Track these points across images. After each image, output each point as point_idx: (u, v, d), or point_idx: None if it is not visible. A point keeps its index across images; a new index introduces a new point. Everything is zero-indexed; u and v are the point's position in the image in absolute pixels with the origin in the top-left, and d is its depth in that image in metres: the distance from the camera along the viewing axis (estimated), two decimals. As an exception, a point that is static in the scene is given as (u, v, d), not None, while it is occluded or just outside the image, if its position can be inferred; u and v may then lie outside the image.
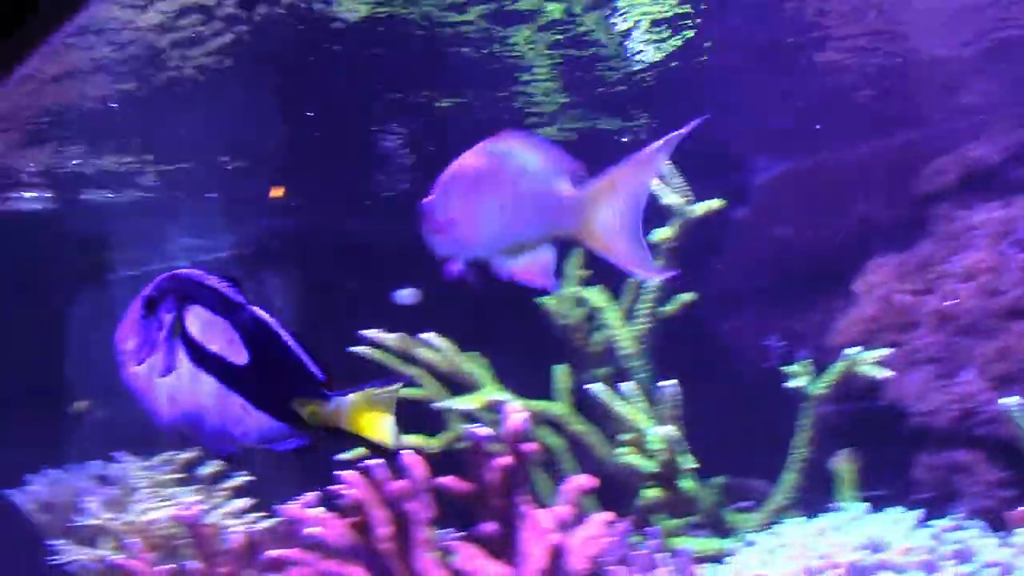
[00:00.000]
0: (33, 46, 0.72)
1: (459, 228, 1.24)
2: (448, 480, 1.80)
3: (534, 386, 2.53)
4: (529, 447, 1.82)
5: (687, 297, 2.58)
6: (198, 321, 1.07)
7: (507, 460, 1.80)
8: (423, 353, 2.34)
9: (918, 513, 1.92)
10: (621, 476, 2.35)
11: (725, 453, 2.80)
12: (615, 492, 2.32)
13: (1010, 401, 2.03)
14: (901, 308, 2.63)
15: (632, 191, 1.17)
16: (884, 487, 2.65)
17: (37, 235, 3.04)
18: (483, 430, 1.77)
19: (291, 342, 1.07)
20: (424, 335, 2.32)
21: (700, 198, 2.49)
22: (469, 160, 1.24)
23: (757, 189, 3.20)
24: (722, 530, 2.42)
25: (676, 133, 1.15)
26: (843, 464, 2.65)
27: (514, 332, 2.92)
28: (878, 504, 2.59)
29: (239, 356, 1.06)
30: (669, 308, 2.56)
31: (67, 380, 3.23)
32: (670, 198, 2.36)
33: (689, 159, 2.94)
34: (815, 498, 2.45)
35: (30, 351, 3.03)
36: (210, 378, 1.07)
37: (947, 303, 2.55)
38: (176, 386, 1.08)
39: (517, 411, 1.83)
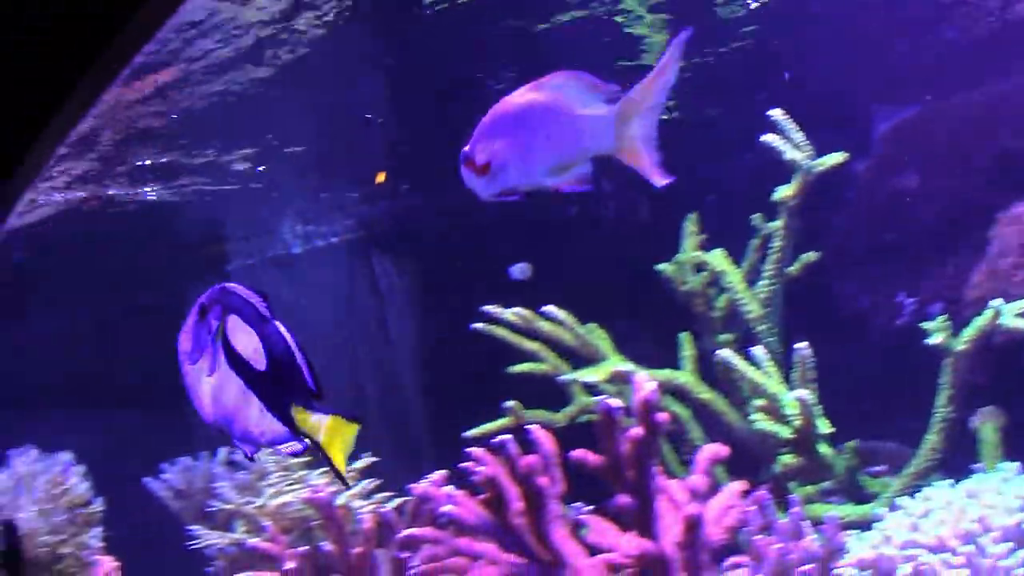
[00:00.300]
0: (142, 40, 0.70)
1: (505, 166, 1.35)
2: (580, 453, 1.76)
3: (654, 356, 2.48)
4: (661, 417, 1.78)
5: (811, 257, 2.49)
6: (234, 329, 1.24)
7: (639, 431, 1.76)
8: (544, 326, 2.31)
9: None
10: (751, 444, 2.29)
11: (856, 416, 2.70)
12: (744, 461, 2.25)
13: None
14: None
15: (652, 104, 1.31)
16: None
17: (157, 229, 3.11)
18: (615, 401, 1.73)
19: (298, 354, 1.21)
20: (545, 308, 2.29)
21: (820, 153, 2.39)
22: (508, 102, 1.36)
23: (878, 140, 3.06)
24: (857, 496, 2.33)
25: (680, 39, 1.29)
26: (986, 423, 2.52)
27: (631, 302, 2.88)
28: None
29: (260, 363, 1.22)
30: (793, 269, 2.47)
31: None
32: (792, 154, 2.27)
33: (806, 112, 2.84)
34: (957, 460, 2.34)
35: (156, 343, 3.11)
36: (239, 380, 1.23)
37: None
38: (216, 386, 1.25)
39: (647, 381, 1.78)
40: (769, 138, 2.27)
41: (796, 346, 2.11)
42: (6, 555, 2.27)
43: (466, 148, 1.36)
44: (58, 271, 3.32)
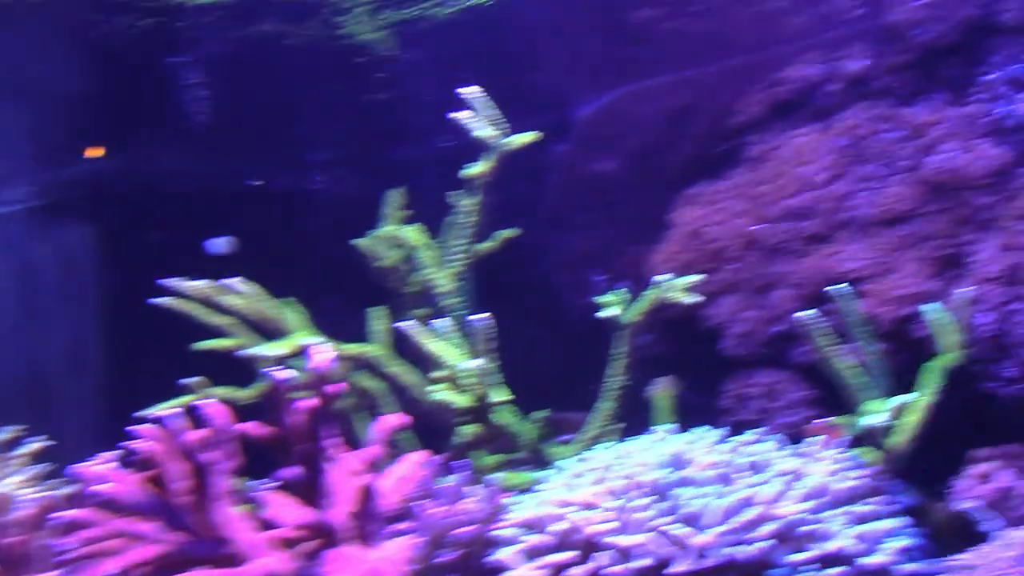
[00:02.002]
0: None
1: None
2: (248, 426, 1.73)
3: (359, 332, 2.47)
4: (334, 387, 1.77)
5: (508, 233, 2.56)
6: None
7: (312, 401, 1.75)
8: (232, 300, 2.24)
9: (722, 431, 1.96)
10: (437, 415, 2.33)
11: (553, 388, 2.81)
12: (438, 433, 2.29)
13: (807, 314, 2.06)
14: (711, 237, 2.67)
15: None
16: (701, 412, 2.71)
17: None
18: (283, 372, 1.71)
19: None
20: (229, 280, 2.22)
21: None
22: None
23: (579, 122, 3.19)
24: (544, 464, 2.43)
25: None
26: (661, 392, 2.70)
27: (338, 278, 2.86)
28: (691, 427, 2.66)
29: None
30: (488, 245, 2.53)
31: None
32: (482, 131, 2.31)
33: (511, 94, 2.91)
34: (635, 427, 2.49)
35: None
36: None
37: (756, 227, 2.61)
38: None
39: (322, 350, 1.78)
40: (461, 115, 2.31)
41: (472, 317, 2.17)
42: None
43: None
44: None
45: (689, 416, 2.68)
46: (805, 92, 2.81)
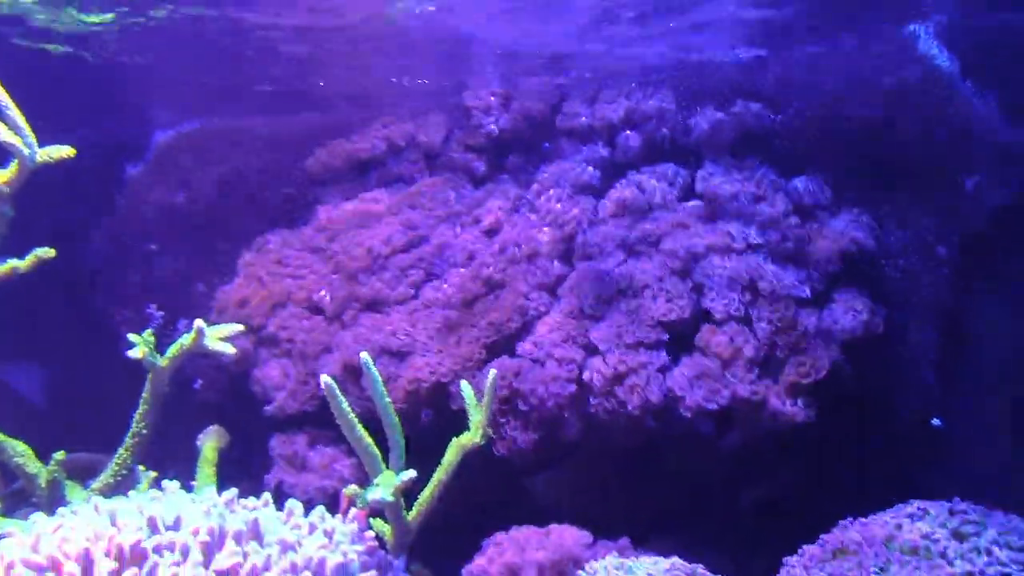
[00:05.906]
0: None
1: None
2: None
3: None
4: None
5: (46, 252, 2.29)
6: None
7: None
8: None
9: (232, 492, 1.85)
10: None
11: (93, 426, 2.58)
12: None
13: (330, 381, 1.98)
14: (273, 290, 2.60)
15: None
16: (246, 465, 2.60)
17: None
18: None
19: None
20: None
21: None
22: None
23: (156, 147, 3.00)
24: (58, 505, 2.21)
25: None
26: (208, 441, 2.54)
27: None
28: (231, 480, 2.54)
29: None
30: (24, 263, 2.26)
31: None
32: (8, 137, 2.07)
33: (76, 102, 2.67)
34: (179, 473, 2.32)
35: None
36: None
37: (319, 295, 2.56)
38: None
39: None
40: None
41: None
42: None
43: None
44: None
45: (232, 468, 2.56)
46: (377, 158, 2.84)
